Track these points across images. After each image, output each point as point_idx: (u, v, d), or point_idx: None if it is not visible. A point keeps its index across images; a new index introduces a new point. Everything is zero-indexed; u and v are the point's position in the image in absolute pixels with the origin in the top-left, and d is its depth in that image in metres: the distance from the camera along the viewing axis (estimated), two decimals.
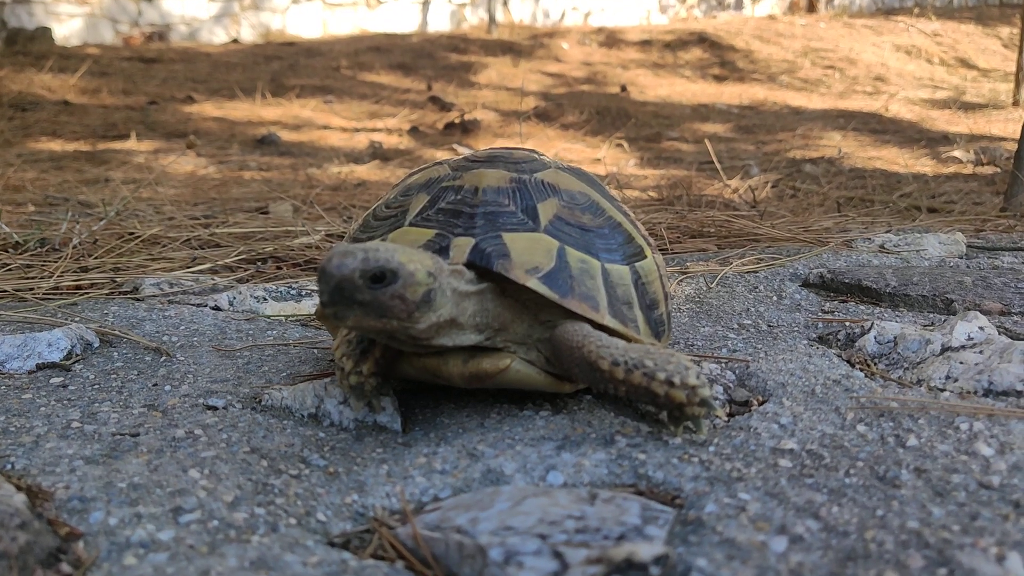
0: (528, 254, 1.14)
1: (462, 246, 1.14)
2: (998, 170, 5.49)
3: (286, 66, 9.52)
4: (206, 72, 9.03)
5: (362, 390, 1.12)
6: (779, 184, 4.82)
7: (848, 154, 6.38)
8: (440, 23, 12.98)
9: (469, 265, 1.13)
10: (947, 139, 7.07)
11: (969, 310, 1.54)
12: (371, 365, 1.10)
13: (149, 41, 11.09)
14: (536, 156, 1.32)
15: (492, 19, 12.54)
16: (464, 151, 6.23)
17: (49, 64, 8.16)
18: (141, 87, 8.17)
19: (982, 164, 5.84)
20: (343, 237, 2.64)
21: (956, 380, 1.26)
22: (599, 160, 6.14)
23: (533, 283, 1.11)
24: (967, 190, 4.68)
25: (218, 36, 11.62)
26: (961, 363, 1.28)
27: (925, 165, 6.05)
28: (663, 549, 0.78)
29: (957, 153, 6.26)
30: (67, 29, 10.65)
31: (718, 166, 4.45)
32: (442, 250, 1.14)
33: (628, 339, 1.16)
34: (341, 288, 0.96)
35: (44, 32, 9.59)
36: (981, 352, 1.30)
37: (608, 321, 1.15)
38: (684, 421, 1.09)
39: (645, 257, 1.28)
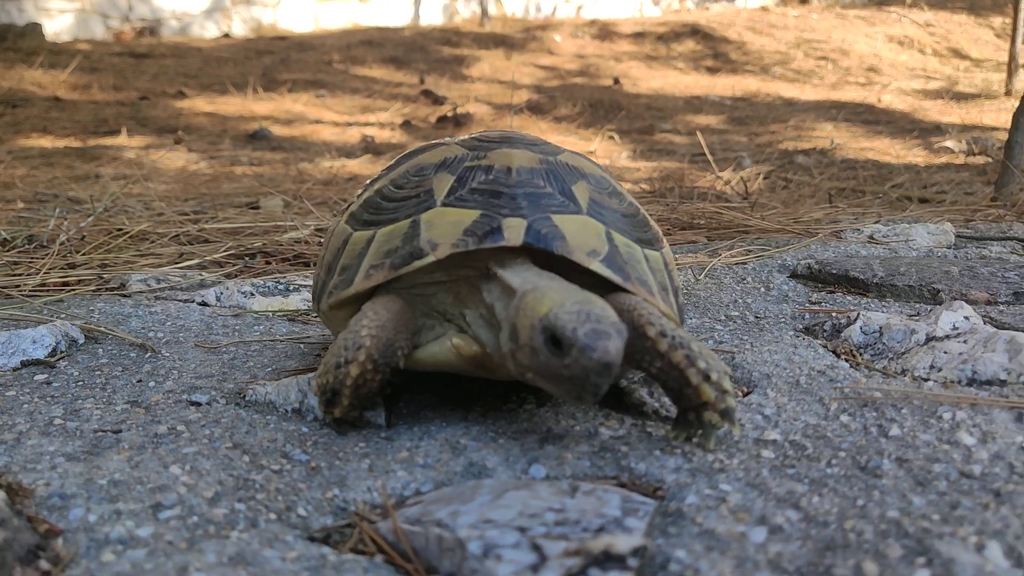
0: (582, 237, 1.10)
1: (516, 227, 1.08)
2: (990, 160, 5.49)
3: (278, 60, 9.50)
4: (197, 67, 9.00)
5: (342, 422, 1.11)
6: (771, 175, 4.82)
7: (840, 145, 6.38)
8: (432, 16, 12.95)
9: (522, 247, 1.09)
10: (939, 129, 7.07)
11: (955, 300, 1.54)
12: (342, 409, 1.07)
13: (140, 36, 11.05)
14: (542, 139, 1.31)
15: (484, 12, 12.51)
16: None
17: (39, 60, 8.13)
18: (132, 82, 8.15)
19: (974, 154, 5.84)
20: None
21: (940, 370, 1.26)
22: (592, 152, 6.14)
23: (596, 266, 1.08)
24: (958, 180, 4.68)
25: (209, 31, 11.58)
26: (945, 352, 1.28)
27: (917, 155, 6.06)
28: (641, 541, 0.78)
29: (949, 143, 6.27)
30: (57, 25, 10.60)
31: (710, 158, 4.44)
32: (493, 231, 1.08)
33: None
34: (614, 367, 0.90)
35: (34, 28, 9.56)
36: (965, 342, 1.30)
37: (662, 306, 1.12)
38: (695, 429, 1.03)
39: (664, 245, 1.28)
